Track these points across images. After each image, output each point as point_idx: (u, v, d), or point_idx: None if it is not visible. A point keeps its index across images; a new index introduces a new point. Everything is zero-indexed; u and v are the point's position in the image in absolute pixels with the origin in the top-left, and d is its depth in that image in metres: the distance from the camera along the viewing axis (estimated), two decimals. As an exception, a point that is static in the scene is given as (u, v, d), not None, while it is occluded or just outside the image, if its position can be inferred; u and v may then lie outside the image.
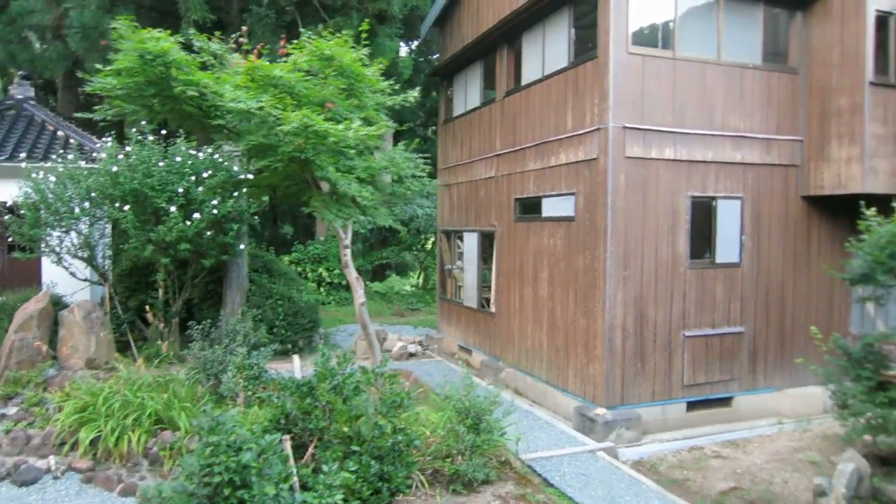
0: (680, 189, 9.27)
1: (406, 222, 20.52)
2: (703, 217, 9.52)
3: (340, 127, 6.69)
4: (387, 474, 6.29)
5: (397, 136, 24.69)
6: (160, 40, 7.26)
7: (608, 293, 8.95)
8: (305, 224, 25.88)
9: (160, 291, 13.23)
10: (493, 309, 12.40)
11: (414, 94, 8.56)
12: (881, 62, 9.35)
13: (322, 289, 20.81)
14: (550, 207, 10.37)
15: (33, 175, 11.57)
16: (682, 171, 9.26)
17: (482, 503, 6.59)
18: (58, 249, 11.67)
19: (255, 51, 7.36)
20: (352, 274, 8.20)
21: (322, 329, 15.98)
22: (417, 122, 27.26)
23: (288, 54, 7.39)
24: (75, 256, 12.09)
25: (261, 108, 6.53)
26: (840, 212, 10.11)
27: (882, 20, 9.28)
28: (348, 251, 8.20)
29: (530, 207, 11.04)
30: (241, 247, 12.86)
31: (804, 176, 9.98)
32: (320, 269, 20.86)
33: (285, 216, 27.95)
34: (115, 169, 10.78)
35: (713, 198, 9.50)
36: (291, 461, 6.36)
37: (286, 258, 21.57)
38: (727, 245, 9.62)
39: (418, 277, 22.70)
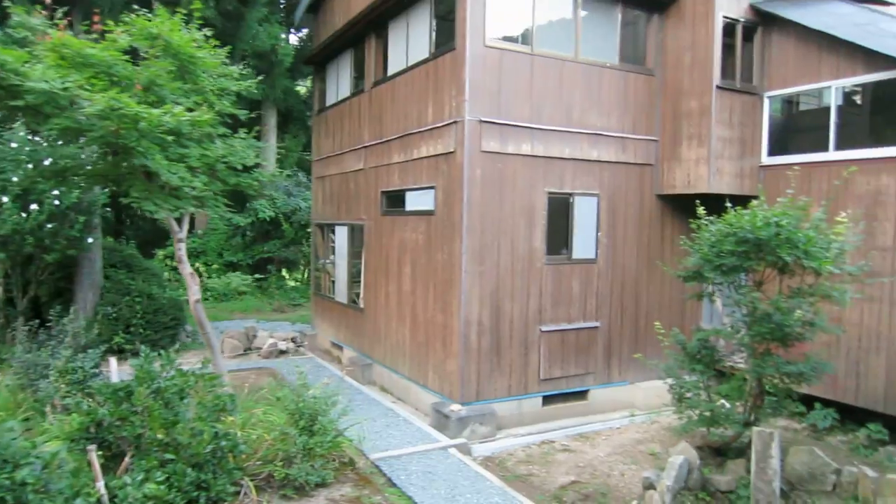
0: (537, 185, 9.30)
1: (289, 215, 19.86)
2: (560, 213, 9.61)
3: (157, 111, 6.18)
4: (205, 482, 5.88)
5: (282, 126, 23.93)
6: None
7: (463, 288, 8.85)
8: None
9: (-1, 289, 12.11)
10: (361, 305, 12.11)
11: (253, 81, 8.13)
12: (728, 67, 9.74)
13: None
14: (413, 201, 10.18)
15: None
16: (539, 166, 9.29)
17: (312, 508, 6.30)
18: None
19: (61, 25, 6.68)
20: (185, 269, 7.69)
21: (189, 326, 15.18)
22: (309, 113, 26.53)
23: (105, 32, 6.78)
24: None
25: (66, 89, 5.93)
26: (691, 211, 10.44)
27: (729, 27, 9.66)
28: (182, 245, 7.68)
29: (395, 201, 10.82)
30: (90, 240, 11.95)
31: (659, 175, 10.28)
32: (197, 264, 19.86)
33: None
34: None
35: (570, 194, 9.60)
36: (98, 473, 5.84)
37: (161, 253, 20.40)
38: (584, 241, 9.76)
39: (303, 272, 22.07)
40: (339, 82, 13.13)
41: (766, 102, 9.91)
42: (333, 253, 13.58)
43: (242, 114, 8.44)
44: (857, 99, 9.30)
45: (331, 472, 6.89)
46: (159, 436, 5.94)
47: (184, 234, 7.75)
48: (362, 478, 7.17)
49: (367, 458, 7.99)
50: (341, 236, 12.97)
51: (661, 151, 10.23)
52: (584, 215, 9.74)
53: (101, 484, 5.71)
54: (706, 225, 7.25)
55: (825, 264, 6.45)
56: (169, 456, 5.83)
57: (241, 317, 18.00)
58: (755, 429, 6.90)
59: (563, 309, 9.65)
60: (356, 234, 12.35)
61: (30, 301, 12.82)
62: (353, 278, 12.57)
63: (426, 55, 9.72)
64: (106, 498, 5.66)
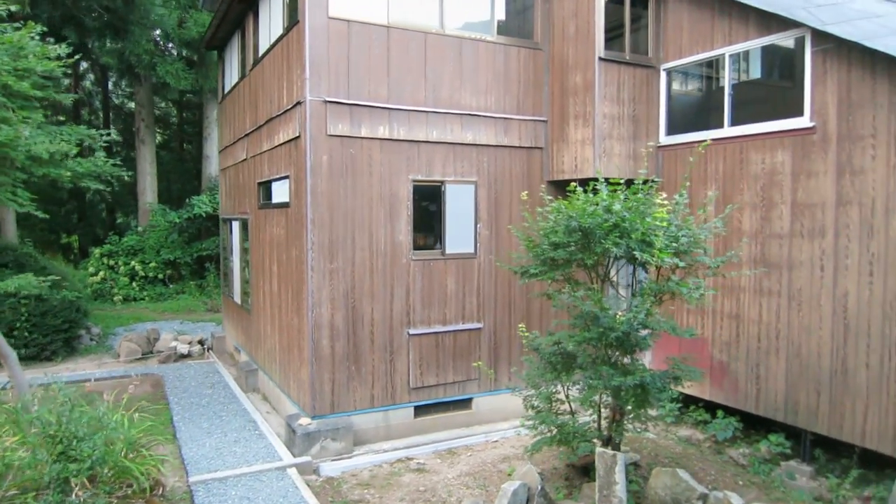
0: (399, 172, 8.33)
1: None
2: (429, 203, 8.65)
3: None
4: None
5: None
6: None
7: (311, 288, 7.93)
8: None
9: None
10: (248, 305, 11.24)
11: (62, 51, 7.27)
12: (618, 38, 8.70)
13: (135, 283, 19.09)
14: (276, 193, 9.29)
15: None
16: (401, 152, 8.33)
17: (63, 547, 5.43)
18: None
19: None
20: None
21: (98, 328, 14.42)
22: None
23: None
24: None
25: None
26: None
27: (620, -8, 8.63)
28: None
29: (266, 193, 9.93)
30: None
31: (549, 159, 9.26)
32: (133, 263, 19.12)
33: (119, 204, 25.95)
34: None
35: (441, 182, 8.63)
36: None
37: (98, 251, 19.69)
38: (459, 234, 8.78)
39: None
40: (232, 67, 12.25)
41: (663, 76, 8.86)
42: (231, 250, 12.74)
43: (66, 98, 7.58)
44: (752, 68, 8.22)
45: (106, 502, 6.01)
46: None
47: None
48: (152, 507, 6.29)
49: (186, 481, 7.13)
50: (235, 231, 12.12)
51: (550, 133, 9.21)
52: (460, 205, 8.76)
53: None
54: (552, 211, 6.25)
55: (663, 255, 5.44)
56: None
57: (171, 317, 17.23)
58: (597, 450, 5.95)
59: (436, 310, 8.69)
60: (245, 229, 11.48)
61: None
62: (244, 277, 11.72)
63: (280, 31, 8.78)
64: None
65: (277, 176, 9.09)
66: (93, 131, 8.09)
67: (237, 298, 12.20)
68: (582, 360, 5.93)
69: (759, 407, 7.76)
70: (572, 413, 6.73)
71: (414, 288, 8.53)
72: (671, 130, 8.85)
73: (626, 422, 6.42)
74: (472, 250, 8.85)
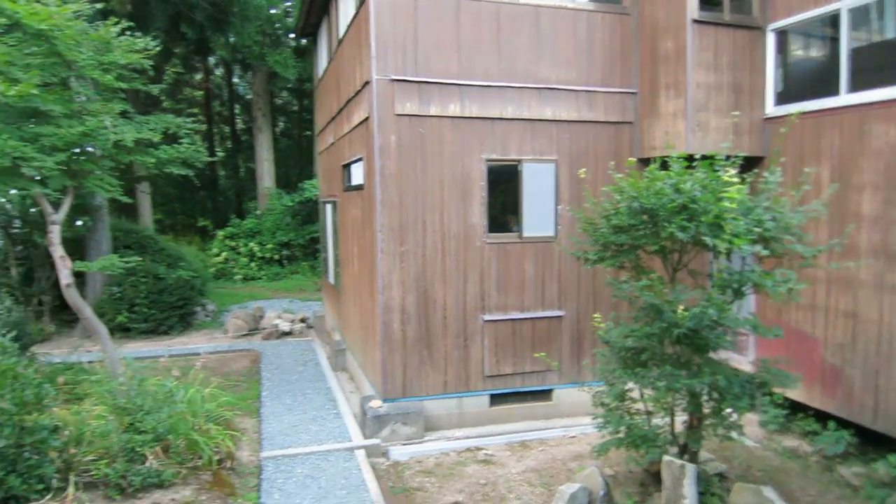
0: (472, 151, 8.01)
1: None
2: (504, 184, 8.26)
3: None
4: (-5, 480, 5.45)
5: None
6: None
7: (381, 270, 7.83)
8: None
9: (13, 270, 12.73)
10: (340, 285, 11.40)
11: (148, 44, 7.57)
12: (716, -5, 7.83)
13: (254, 263, 20.14)
14: (354, 175, 9.28)
15: None
16: (473, 130, 7.99)
17: (128, 513, 5.71)
18: None
19: None
20: (57, 252, 7.34)
21: (213, 305, 15.31)
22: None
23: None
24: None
25: None
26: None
27: (721, -56, 7.73)
28: (56, 228, 7.34)
29: (348, 175, 9.96)
30: (79, 223, 12.21)
31: (639, 134, 8.55)
32: (252, 244, 20.17)
33: (244, 189, 27.48)
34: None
35: (518, 161, 8.20)
36: None
37: (221, 233, 20.97)
38: (538, 216, 8.33)
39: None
40: (322, 53, 12.40)
41: (771, 38, 7.86)
42: (326, 231, 13.00)
43: (155, 88, 7.95)
44: (874, 24, 7.05)
45: (175, 472, 6.25)
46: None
47: (60, 216, 7.42)
48: (218, 481, 6.47)
49: (258, 456, 7.32)
50: (328, 214, 12.33)
51: (640, 106, 8.48)
52: (538, 185, 8.29)
53: None
54: (614, 191, 5.69)
55: (738, 242, 4.75)
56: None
57: (284, 296, 18.02)
58: (664, 458, 5.39)
59: (513, 296, 8.32)
60: (335, 211, 11.63)
61: (53, 281, 13.44)
62: (336, 257, 11.90)
63: (354, 11, 8.69)
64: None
65: (354, 158, 9.07)
66: (178, 119, 8.42)
67: (331, 279, 12.45)
68: (646, 358, 5.37)
69: (876, 421, 6.74)
70: (648, 414, 6.15)
71: (489, 272, 8.20)
72: (780, 100, 7.85)
73: (705, 428, 5.76)
74: (551, 233, 8.36)
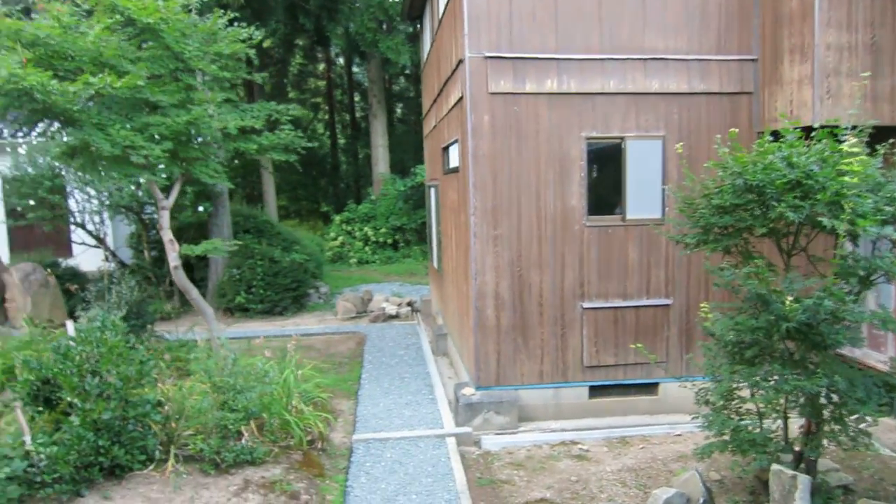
0: (570, 129, 7.56)
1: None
2: (606, 163, 7.75)
3: (75, 85, 6.13)
4: (103, 448, 5.81)
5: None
6: None
7: (474, 255, 7.62)
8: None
9: (146, 253, 13.74)
10: (442, 269, 11.31)
11: (253, 35, 7.77)
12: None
13: (368, 247, 20.61)
14: (452, 157, 9.09)
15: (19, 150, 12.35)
16: (572, 106, 7.54)
17: (222, 485, 5.90)
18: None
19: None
20: (166, 236, 7.70)
21: (326, 288, 15.78)
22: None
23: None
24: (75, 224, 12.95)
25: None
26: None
27: None
28: (165, 213, 7.70)
29: (446, 158, 9.78)
30: (200, 209, 12.91)
31: (759, 106, 7.71)
32: (366, 228, 20.64)
33: (361, 175, 28.17)
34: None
35: (620, 138, 7.66)
36: (24, 429, 6.12)
37: (338, 217, 21.63)
38: (643, 197, 7.75)
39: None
40: (427, 34, 12.26)
41: (922, -14, 6.77)
42: (430, 215, 12.94)
43: (258, 77, 8.19)
44: None
45: (267, 451, 6.41)
46: (69, 398, 6.00)
47: (169, 202, 7.78)
48: (308, 461, 6.57)
49: (351, 438, 7.38)
50: (432, 197, 12.25)
51: (760, 74, 7.64)
52: (644, 164, 7.70)
53: (27, 438, 5.97)
54: (716, 166, 5.09)
55: (863, 223, 4.07)
56: (73, 419, 5.85)
57: (395, 279, 18.30)
58: (773, 467, 4.83)
59: (615, 282, 7.82)
60: (437, 194, 11.53)
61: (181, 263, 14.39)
62: (438, 241, 11.81)
63: (450, -13, 8.46)
64: (40, 448, 5.87)
65: (451, 140, 8.89)
66: (280, 106, 8.61)
67: (435, 262, 12.41)
68: (752, 354, 4.77)
69: None
70: (759, 416, 5.51)
71: (588, 257, 7.75)
72: (932, 57, 6.77)
73: (825, 434, 5.07)
74: (658, 215, 7.76)
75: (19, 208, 13.06)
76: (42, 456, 5.70)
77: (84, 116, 6.74)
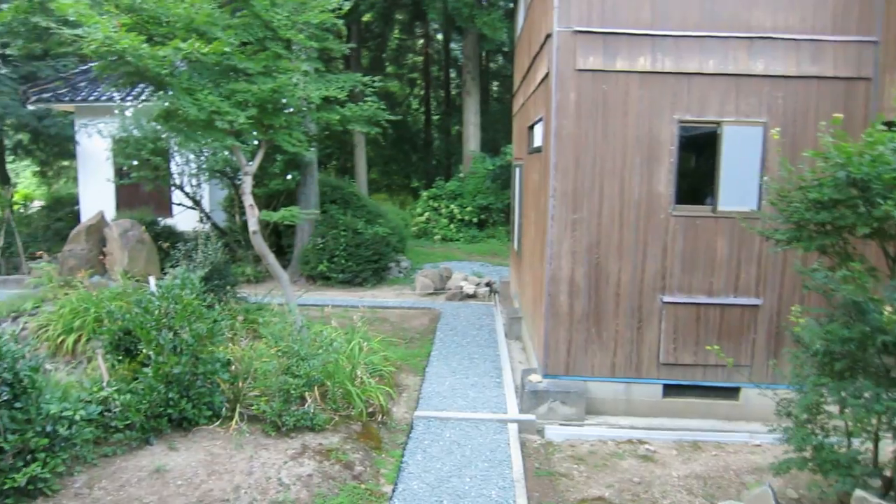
0: (661, 111, 7.10)
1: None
2: (698, 149, 7.25)
3: (165, 50, 6.29)
4: (172, 400, 6.04)
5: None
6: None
7: (550, 238, 7.35)
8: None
9: (237, 217, 14.24)
10: (521, 252, 11.06)
11: (342, 4, 7.74)
12: None
13: (453, 225, 20.56)
14: (536, 136, 8.78)
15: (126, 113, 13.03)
16: (665, 87, 7.07)
17: (281, 448, 6.01)
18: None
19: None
20: (247, 201, 7.84)
21: (408, 263, 15.87)
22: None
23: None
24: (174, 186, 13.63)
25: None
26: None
27: None
28: (248, 178, 7.83)
29: (531, 137, 9.47)
30: (288, 177, 13.19)
31: (879, 92, 6.95)
32: (452, 206, 20.57)
33: (452, 152, 28.08)
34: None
35: (717, 123, 7.12)
36: (104, 374, 6.46)
37: (425, 193, 21.68)
38: (738, 188, 7.19)
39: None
40: (521, 9, 11.88)
41: None
42: (514, 196, 12.66)
43: (341, 48, 8.22)
44: None
45: (328, 418, 6.48)
46: (145, 350, 6.26)
47: (252, 167, 7.92)
48: (367, 433, 6.59)
49: (411, 415, 7.36)
50: (517, 178, 11.97)
51: (883, 57, 6.87)
52: (741, 152, 7.14)
53: (105, 384, 6.31)
54: (815, 156, 4.59)
55: None
56: (147, 371, 6.10)
57: (477, 259, 18.17)
58: (856, 493, 4.39)
59: (700, 276, 7.34)
60: (521, 174, 11.24)
61: (272, 230, 14.86)
62: (519, 223, 11.55)
63: (544, -43, 8.09)
64: (116, 395, 6.17)
65: (537, 119, 8.58)
66: (366, 78, 8.58)
67: (515, 244, 12.16)
68: (841, 367, 4.30)
69: None
70: (848, 435, 5.01)
71: (673, 248, 7.31)
72: None
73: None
74: (753, 207, 7.19)
75: (125, 168, 13.84)
76: (117, 402, 6.00)
77: (174, 81, 6.95)
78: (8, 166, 22.30)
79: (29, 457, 5.03)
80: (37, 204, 21.61)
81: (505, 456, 6.48)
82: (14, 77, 16.38)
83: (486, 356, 9.61)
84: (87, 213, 15.45)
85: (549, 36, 7.24)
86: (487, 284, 13.98)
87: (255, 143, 8.23)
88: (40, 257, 13.49)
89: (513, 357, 9.60)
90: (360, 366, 7.17)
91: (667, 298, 7.36)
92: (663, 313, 7.39)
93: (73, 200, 17.70)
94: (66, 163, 21.87)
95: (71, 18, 6.67)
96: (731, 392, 7.57)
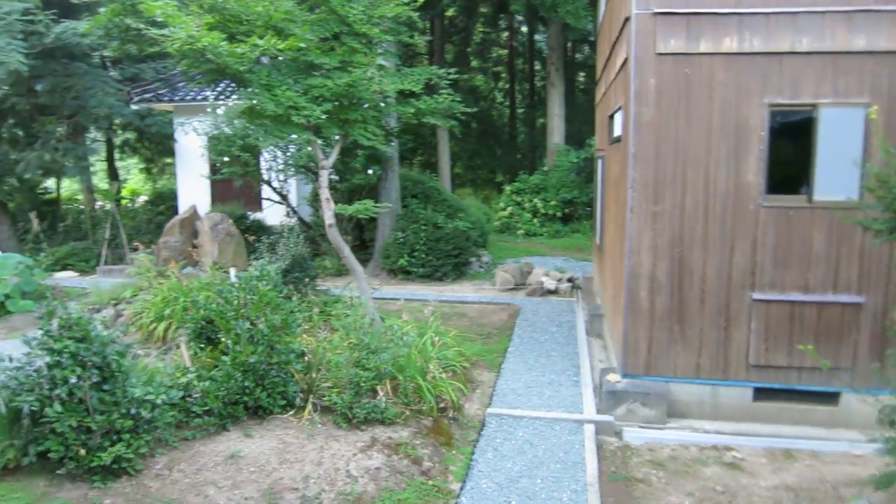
0: (750, 94, 6.63)
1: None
2: (792, 134, 6.72)
3: (243, 47, 6.44)
4: (248, 389, 6.20)
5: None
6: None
7: (629, 232, 7.04)
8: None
9: (320, 211, 14.58)
10: (602, 246, 10.70)
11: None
12: None
13: (536, 220, 20.25)
14: (616, 126, 8.43)
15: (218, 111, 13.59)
16: (754, 68, 6.59)
17: (351, 440, 6.06)
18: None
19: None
20: (324, 195, 7.92)
21: (489, 257, 15.74)
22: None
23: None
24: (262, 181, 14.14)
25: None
26: None
27: None
28: (325, 172, 7.91)
29: (611, 127, 9.11)
30: (370, 171, 13.33)
31: None
32: (535, 200, 20.26)
33: (537, 145, 27.66)
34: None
35: (812, 105, 6.58)
36: (186, 360, 6.73)
37: (508, 188, 21.46)
38: (837, 176, 6.61)
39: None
40: (604, -6, 11.47)
41: None
42: (596, 188, 12.25)
43: (418, 42, 8.20)
44: None
45: (399, 412, 6.48)
46: (223, 338, 6.46)
47: (329, 162, 7.99)
48: (437, 428, 6.54)
49: (484, 411, 7.25)
50: (599, 170, 11.58)
51: None
52: (839, 137, 6.56)
53: (190, 368, 6.57)
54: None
55: None
56: (225, 359, 6.29)
57: (560, 254, 17.82)
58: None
59: (794, 272, 6.82)
60: (603, 166, 10.86)
61: (354, 224, 15.14)
62: (601, 216, 11.17)
63: (624, -62, 7.73)
64: (196, 382, 6.41)
65: (616, 107, 8.25)
66: (441, 70, 8.51)
67: (597, 239, 11.80)
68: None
69: None
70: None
71: (764, 242, 6.82)
72: None
73: None
74: (854, 197, 6.59)
75: (217, 164, 14.45)
76: (197, 389, 6.23)
77: (254, 77, 7.12)
78: (117, 163, 23.89)
79: (115, 437, 5.28)
80: (142, 199, 23.03)
81: (579, 458, 6.26)
82: (119, 79, 17.44)
83: (565, 354, 9.36)
84: (184, 207, 16.24)
85: (627, 19, 6.91)
86: (569, 280, 13.65)
87: (336, 137, 8.32)
88: (137, 249, 14.31)
89: (593, 355, 9.29)
90: (432, 360, 7.13)
91: (757, 296, 6.88)
92: (753, 311, 6.92)
93: (173, 195, 18.69)
94: (168, 160, 23.14)
95: (159, 19, 6.99)
96: (830, 397, 7.00)
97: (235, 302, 6.52)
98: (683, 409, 7.18)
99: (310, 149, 12.19)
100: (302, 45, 6.82)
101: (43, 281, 12.06)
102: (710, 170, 6.80)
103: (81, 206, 19.88)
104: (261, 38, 6.77)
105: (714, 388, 7.14)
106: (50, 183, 19.82)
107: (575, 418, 7.13)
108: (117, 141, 21.96)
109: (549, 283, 13.17)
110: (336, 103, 7.48)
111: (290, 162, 13.86)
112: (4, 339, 9.78)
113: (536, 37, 29.46)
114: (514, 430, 6.86)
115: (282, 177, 14.56)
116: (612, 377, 7.33)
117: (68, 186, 23.29)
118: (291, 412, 6.44)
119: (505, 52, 31.65)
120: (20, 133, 17.60)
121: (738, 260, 6.89)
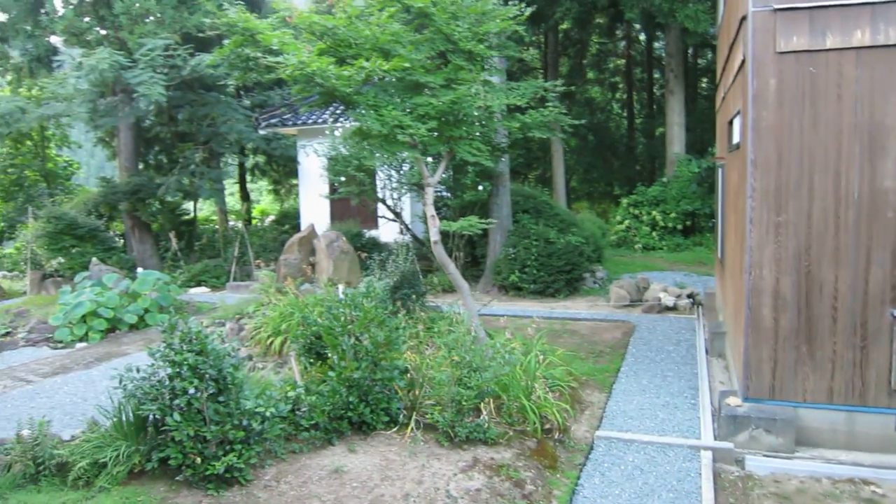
0: (886, 91, 5.98)
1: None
2: (940, 133, 5.97)
3: (349, 70, 6.65)
4: (352, 404, 6.33)
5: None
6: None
7: (750, 244, 6.55)
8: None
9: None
10: (724, 260, 10.05)
11: (521, 9, 7.65)
12: None
13: (655, 233, 19.44)
14: (735, 132, 7.92)
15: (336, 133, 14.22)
16: (891, 62, 5.94)
17: (453, 459, 6.02)
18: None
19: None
20: (430, 211, 7.96)
21: (603, 273, 15.28)
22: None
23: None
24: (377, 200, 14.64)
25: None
26: None
27: None
28: (430, 189, 7.95)
29: (730, 133, 8.56)
30: (479, 188, 13.32)
31: None
32: (654, 213, 19.46)
33: (656, 155, 26.61)
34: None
35: (965, 101, 5.84)
36: (296, 374, 6.99)
37: (625, 200, 20.79)
38: None
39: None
40: (722, -6, 10.84)
41: None
42: (717, 199, 11.54)
43: (527, 56, 8.11)
44: None
45: (502, 432, 6.36)
46: (330, 354, 6.65)
47: (434, 179, 8.04)
48: (541, 450, 6.36)
49: (593, 434, 6.97)
50: (719, 179, 10.93)
51: None
52: None
53: (299, 383, 6.82)
54: None
55: None
56: (331, 374, 6.47)
57: (681, 269, 16.99)
58: None
59: (945, 287, 6.06)
60: (722, 175, 10.22)
61: (466, 240, 15.22)
62: (722, 228, 10.50)
63: (739, -67, 7.27)
64: (304, 396, 6.65)
65: (735, 112, 7.74)
66: (548, 83, 8.38)
67: (719, 252, 11.11)
68: None
69: None
70: None
71: (906, 253, 6.12)
72: None
73: None
74: None
75: (335, 184, 15.06)
76: (305, 403, 6.43)
77: (361, 98, 7.34)
78: (249, 185, 25.58)
79: (227, 447, 5.55)
80: (270, 218, 24.48)
81: (694, 487, 5.85)
82: (248, 106, 18.70)
83: (682, 374, 8.83)
84: (306, 225, 17.08)
85: (744, 18, 6.49)
86: (689, 296, 12.94)
87: (442, 154, 8.41)
88: (259, 266, 15.16)
89: (713, 376, 8.71)
90: (538, 379, 6.97)
91: (900, 314, 6.17)
92: (895, 330, 6.20)
93: (297, 214, 19.70)
94: (294, 181, 24.48)
95: (275, 48, 7.39)
96: None
97: (342, 318, 6.69)
98: (814, 438, 6.53)
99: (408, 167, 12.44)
100: (407, 64, 6.95)
101: (178, 296, 13.05)
102: (840, 175, 6.19)
103: (216, 227, 21.40)
104: (367, 60, 6.96)
105: (850, 415, 6.45)
106: (188, 205, 21.51)
107: (691, 444, 6.68)
108: (248, 164, 23.50)
109: (668, 300, 12.55)
110: (441, 120, 7.54)
111: (403, 180, 14.19)
112: (141, 350, 10.63)
113: (655, 44, 28.49)
114: (624, 454, 6.53)
115: (395, 195, 14.93)
116: (733, 401, 6.82)
117: (205, 207, 25.18)
118: (394, 428, 6.50)
119: (622, 61, 30.86)
120: (164, 159, 19.26)
121: (875, 273, 6.21)
